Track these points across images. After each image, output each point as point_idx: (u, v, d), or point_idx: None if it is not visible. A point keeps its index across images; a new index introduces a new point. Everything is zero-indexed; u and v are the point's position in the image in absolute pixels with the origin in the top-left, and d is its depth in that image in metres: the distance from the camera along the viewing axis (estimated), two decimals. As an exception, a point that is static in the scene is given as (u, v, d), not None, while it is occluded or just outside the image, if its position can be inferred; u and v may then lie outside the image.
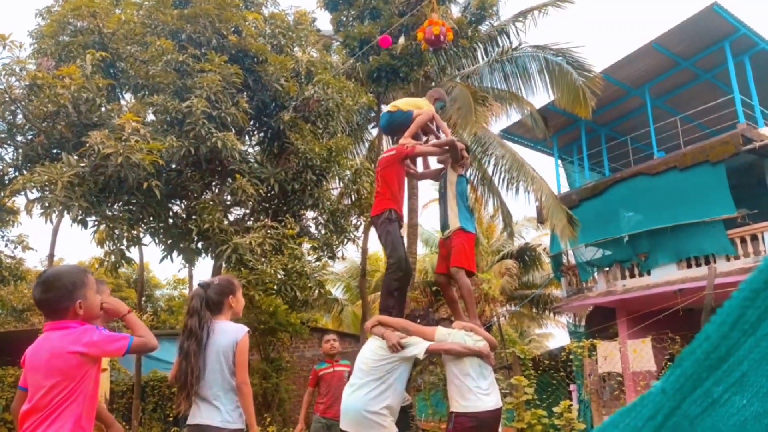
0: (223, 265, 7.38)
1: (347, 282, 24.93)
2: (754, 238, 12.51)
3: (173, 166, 7.96)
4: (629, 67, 14.45)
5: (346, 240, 9.06)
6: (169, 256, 8.77)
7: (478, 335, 3.89)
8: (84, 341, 2.13)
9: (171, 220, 8.51)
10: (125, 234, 7.94)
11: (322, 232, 8.96)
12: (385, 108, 13.96)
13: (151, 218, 7.95)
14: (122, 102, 8.55)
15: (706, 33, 13.27)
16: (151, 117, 8.06)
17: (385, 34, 6.40)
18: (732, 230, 12.75)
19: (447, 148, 4.60)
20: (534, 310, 22.45)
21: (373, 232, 10.91)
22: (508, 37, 14.79)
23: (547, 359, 10.09)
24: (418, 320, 3.99)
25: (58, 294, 2.15)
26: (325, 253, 9.06)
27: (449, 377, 3.85)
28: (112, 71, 8.32)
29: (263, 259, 7.20)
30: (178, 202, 8.77)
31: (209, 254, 8.19)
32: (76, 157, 6.88)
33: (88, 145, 6.28)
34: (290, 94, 8.24)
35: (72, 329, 2.13)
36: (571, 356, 9.89)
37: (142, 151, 6.34)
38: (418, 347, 3.70)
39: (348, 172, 8.90)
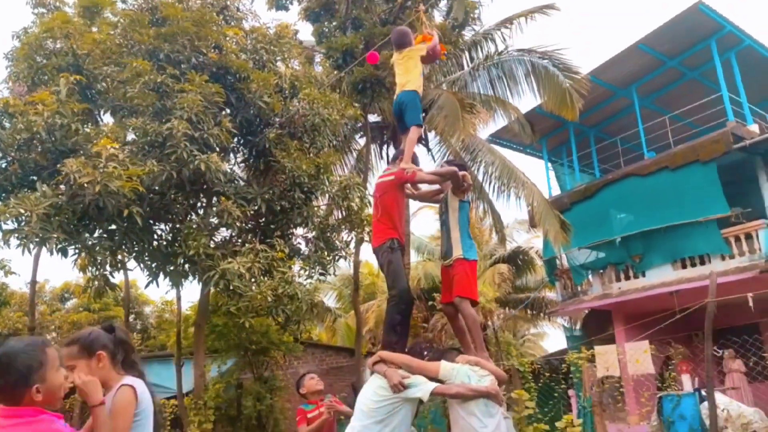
0: (212, 290, 7.12)
1: (339, 290, 24.66)
2: (748, 236, 12.44)
3: (156, 188, 7.69)
4: (616, 68, 14.38)
5: (337, 257, 8.82)
6: (154, 281, 8.51)
7: (485, 369, 3.67)
8: None
9: (156, 243, 8.23)
10: (108, 260, 7.68)
11: (313, 250, 8.71)
12: (371, 118, 13.79)
13: (134, 244, 7.67)
14: (101, 124, 8.26)
15: (692, 31, 13.22)
16: (132, 136, 7.79)
17: (373, 51, 6.16)
18: (726, 229, 12.67)
19: (448, 177, 4.38)
20: (529, 313, 22.29)
21: (365, 247, 10.71)
22: (495, 44, 14.67)
23: (547, 371, 9.88)
24: (425, 353, 3.77)
25: (10, 380, 1.87)
26: (317, 270, 8.82)
27: (453, 416, 3.62)
28: (88, 93, 8.04)
29: (253, 283, 6.94)
30: (163, 225, 8.49)
31: (196, 278, 7.92)
32: (53, 185, 6.62)
33: (64, 173, 5.99)
34: (274, 111, 8.00)
35: (26, 419, 1.86)
36: (572, 368, 9.69)
37: (120, 178, 6.07)
38: (422, 389, 3.47)
39: (336, 188, 8.66)
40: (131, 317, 24.15)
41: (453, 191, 4.46)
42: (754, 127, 13.28)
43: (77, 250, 7.14)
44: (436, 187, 4.75)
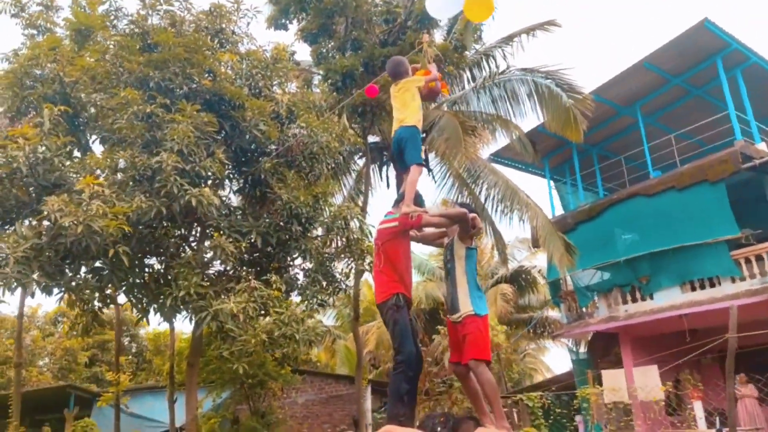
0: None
1: (339, 309, 24.17)
2: (759, 258, 12.07)
3: (146, 221, 7.32)
4: (619, 86, 14.09)
5: (337, 289, 8.43)
6: (145, 318, 8.11)
7: None
8: None
9: (146, 277, 7.85)
10: (95, 296, 7.30)
11: (311, 282, 8.32)
12: (370, 138, 13.44)
13: (123, 280, 7.28)
14: (89, 155, 7.89)
15: (697, 49, 12.96)
16: (122, 163, 7.43)
17: (372, 84, 5.83)
18: (736, 251, 12.31)
19: (457, 220, 4.01)
20: (532, 333, 21.86)
21: (365, 276, 10.33)
22: (495, 61, 14.40)
23: (558, 407, 9.45)
24: (438, 429, 3.38)
25: None
26: (314, 302, 8.43)
27: None
28: (76, 122, 7.69)
29: (248, 324, 6.54)
30: (154, 259, 8.11)
31: (189, 316, 7.53)
32: (36, 222, 6.25)
33: (45, 212, 5.62)
34: (271, 139, 7.65)
35: None
36: (584, 404, 9.27)
37: (105, 216, 5.70)
38: None
39: (335, 218, 8.27)
40: (126, 340, 23.68)
41: (460, 236, 4.09)
42: (762, 146, 12.96)
43: (61, 291, 6.75)
44: (441, 228, 4.38)
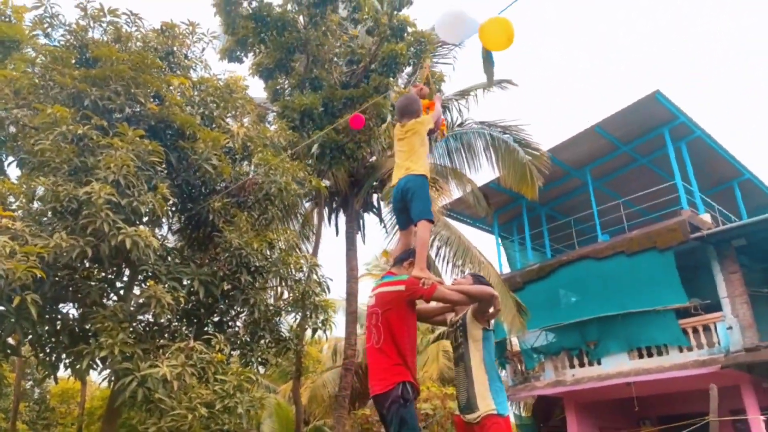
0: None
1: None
2: (706, 328, 12.12)
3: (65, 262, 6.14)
4: (572, 148, 14.23)
5: (285, 350, 7.44)
6: (52, 376, 6.78)
7: None
8: None
9: (60, 325, 6.57)
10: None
11: (255, 339, 7.30)
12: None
13: (28, 331, 6.00)
14: (4, 178, 6.66)
15: (647, 119, 13.31)
16: (41, 191, 6.28)
17: (357, 113, 5.17)
18: (684, 320, 12.32)
19: (479, 298, 3.30)
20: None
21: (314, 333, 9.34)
22: (451, 114, 14.23)
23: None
24: None
25: None
26: (255, 361, 7.39)
27: None
28: (-10, 140, 6.51)
29: (183, 392, 5.45)
30: (71, 306, 6.85)
31: (108, 377, 6.31)
32: None
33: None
34: (222, 175, 6.76)
35: None
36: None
37: (14, 256, 4.58)
38: None
39: (288, 266, 7.37)
40: (29, 384, 20.92)
41: (475, 315, 3.38)
42: (706, 216, 13.29)
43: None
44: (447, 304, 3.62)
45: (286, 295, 7.76)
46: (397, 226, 13.40)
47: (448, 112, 14.32)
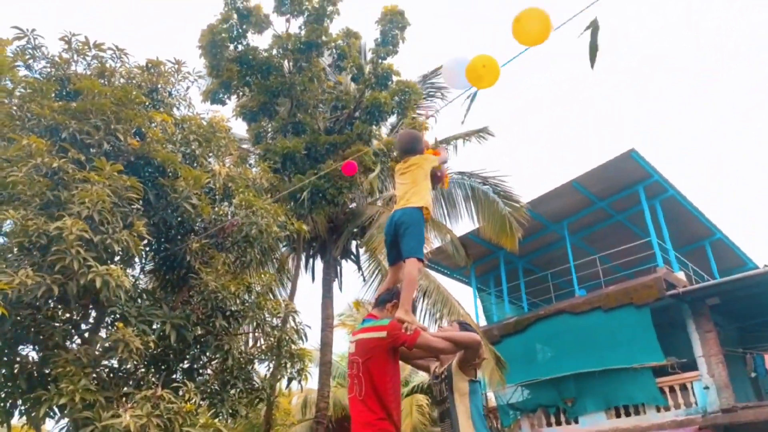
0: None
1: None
2: (683, 387, 12.03)
3: (25, 300, 5.77)
4: (550, 202, 14.38)
5: (257, 400, 7.06)
6: (5, 424, 6.26)
7: None
8: None
9: (17, 368, 6.12)
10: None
11: (227, 388, 6.91)
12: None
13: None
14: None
15: (622, 176, 13.61)
16: (8, 225, 5.97)
17: (350, 160, 5.08)
18: (661, 378, 12.24)
19: (465, 346, 3.14)
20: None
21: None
22: (432, 163, 14.31)
23: None
24: None
25: None
26: (225, 411, 6.97)
27: None
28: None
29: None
30: (30, 347, 6.41)
31: (66, 427, 5.86)
32: None
33: None
34: (202, 216, 6.55)
35: None
36: None
37: (-27, 292, 4.27)
38: None
39: (266, 312, 7.08)
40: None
41: (461, 366, 3.20)
42: (681, 274, 13.44)
43: None
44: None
45: (261, 342, 7.43)
46: (374, 274, 13.16)
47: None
